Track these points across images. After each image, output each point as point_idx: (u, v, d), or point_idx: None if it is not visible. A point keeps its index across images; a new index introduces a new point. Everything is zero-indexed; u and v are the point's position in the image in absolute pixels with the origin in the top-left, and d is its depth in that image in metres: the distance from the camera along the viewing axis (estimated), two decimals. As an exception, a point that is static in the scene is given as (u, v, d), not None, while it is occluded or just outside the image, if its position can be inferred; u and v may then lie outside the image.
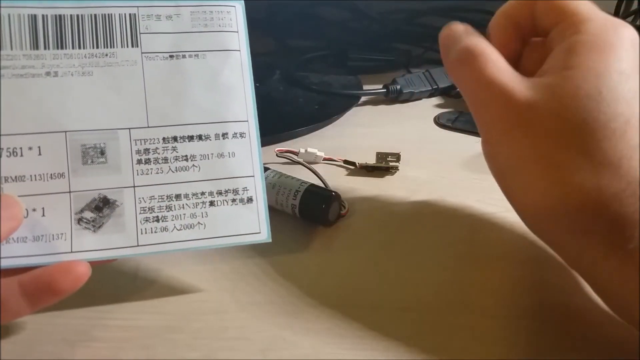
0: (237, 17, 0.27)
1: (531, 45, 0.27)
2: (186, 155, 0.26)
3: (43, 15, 0.25)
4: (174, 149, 0.26)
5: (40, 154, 0.24)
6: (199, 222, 0.26)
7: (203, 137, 0.26)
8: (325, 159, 0.40)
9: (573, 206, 0.22)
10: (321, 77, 0.53)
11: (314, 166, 0.39)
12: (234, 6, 0.27)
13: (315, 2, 0.63)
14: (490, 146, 0.25)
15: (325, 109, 0.47)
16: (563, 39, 0.24)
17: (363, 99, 0.51)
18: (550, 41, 0.25)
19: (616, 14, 0.59)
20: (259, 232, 0.26)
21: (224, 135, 0.26)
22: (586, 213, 0.22)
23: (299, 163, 0.39)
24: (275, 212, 0.32)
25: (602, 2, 0.67)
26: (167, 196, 0.25)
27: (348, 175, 0.39)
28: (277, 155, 0.40)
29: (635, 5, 0.62)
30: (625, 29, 0.23)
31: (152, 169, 0.25)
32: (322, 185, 0.36)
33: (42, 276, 0.22)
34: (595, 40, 0.23)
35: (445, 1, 0.66)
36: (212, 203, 0.26)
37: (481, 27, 0.77)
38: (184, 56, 0.26)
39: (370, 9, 0.65)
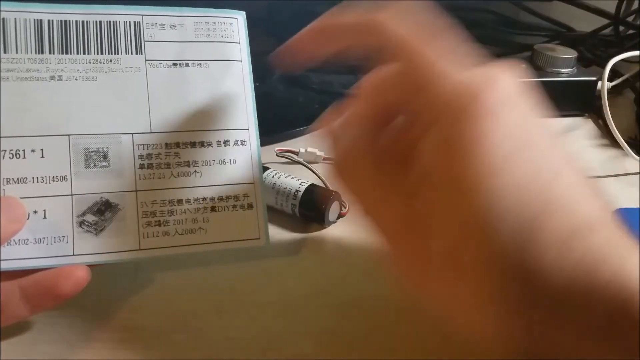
0: (238, 29, 0.28)
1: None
2: (188, 161, 0.26)
3: (49, 20, 0.25)
4: (176, 154, 0.26)
5: (42, 157, 0.24)
6: (200, 227, 0.26)
7: (205, 144, 0.26)
8: (325, 159, 0.40)
9: None
10: (321, 77, 0.53)
11: (314, 166, 0.39)
12: (236, 18, 0.28)
13: (316, 2, 0.63)
14: None
15: (325, 109, 0.47)
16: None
17: (363, 98, 0.51)
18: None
19: (616, 14, 0.59)
20: (259, 238, 0.27)
21: (226, 142, 0.27)
22: None
23: (299, 163, 0.39)
24: (275, 212, 0.32)
25: (603, 2, 0.67)
26: (169, 201, 0.26)
27: (348, 175, 0.39)
28: (277, 155, 0.40)
29: (635, 5, 0.62)
30: (491, 90, 0.19)
31: (154, 173, 0.25)
32: (323, 185, 0.36)
33: (43, 280, 0.23)
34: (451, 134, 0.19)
35: (445, 1, 0.66)
36: (213, 208, 0.26)
37: (481, 27, 0.77)
38: (187, 65, 0.27)
39: (371, 9, 0.65)
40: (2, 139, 0.24)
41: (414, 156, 0.20)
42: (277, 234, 0.29)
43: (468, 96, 0.19)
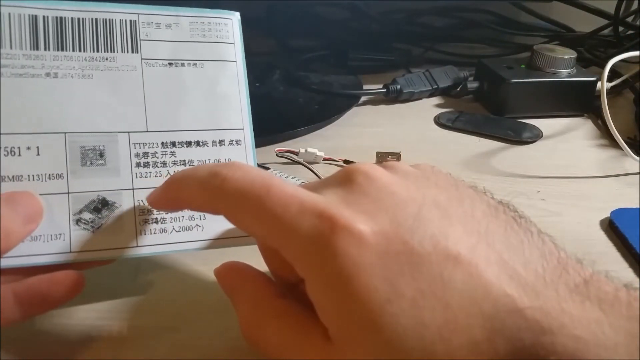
0: (233, 30, 0.28)
1: None
2: (184, 160, 0.26)
3: (44, 16, 0.25)
4: (173, 153, 0.26)
5: (38, 154, 0.24)
6: (197, 225, 0.26)
7: (201, 143, 0.27)
8: (325, 159, 0.40)
9: None
10: (321, 77, 0.53)
11: (314, 166, 0.39)
12: (231, 19, 0.28)
13: (315, 2, 0.63)
14: None
15: (325, 109, 0.47)
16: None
17: (363, 98, 0.51)
18: None
19: (616, 14, 0.59)
20: None
21: (221, 142, 0.27)
22: None
23: (299, 163, 0.39)
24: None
25: (602, 2, 0.67)
26: None
27: (348, 175, 0.39)
28: (277, 155, 0.40)
29: (634, 6, 0.62)
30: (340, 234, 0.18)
31: (150, 172, 0.25)
32: (322, 185, 0.36)
33: (36, 286, 0.22)
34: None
35: (445, 1, 0.66)
36: None
37: (481, 27, 0.77)
38: (182, 64, 0.27)
39: (370, 9, 0.65)
40: None
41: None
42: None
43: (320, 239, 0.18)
